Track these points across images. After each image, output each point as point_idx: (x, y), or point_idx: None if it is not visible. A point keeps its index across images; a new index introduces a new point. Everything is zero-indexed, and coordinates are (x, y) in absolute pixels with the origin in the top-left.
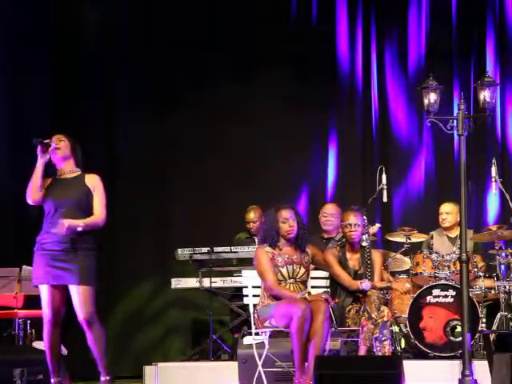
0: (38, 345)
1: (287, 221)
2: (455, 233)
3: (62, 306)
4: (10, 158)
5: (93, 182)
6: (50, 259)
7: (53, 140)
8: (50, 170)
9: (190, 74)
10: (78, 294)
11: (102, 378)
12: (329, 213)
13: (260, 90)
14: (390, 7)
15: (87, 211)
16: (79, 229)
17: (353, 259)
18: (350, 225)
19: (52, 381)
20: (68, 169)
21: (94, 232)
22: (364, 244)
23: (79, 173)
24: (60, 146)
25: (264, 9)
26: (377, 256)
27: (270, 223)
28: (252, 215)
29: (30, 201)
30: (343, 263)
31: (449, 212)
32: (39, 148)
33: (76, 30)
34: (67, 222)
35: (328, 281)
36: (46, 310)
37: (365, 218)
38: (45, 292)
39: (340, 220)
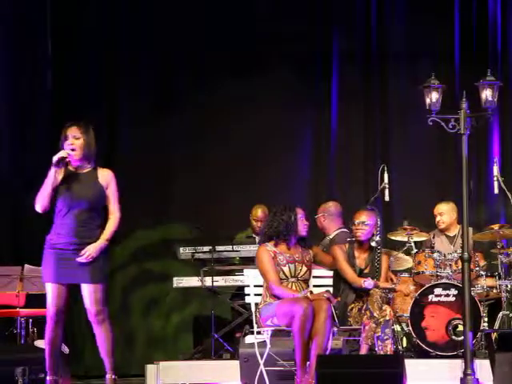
0: (39, 343)
1: (303, 218)
2: (453, 232)
3: (66, 304)
4: (11, 157)
5: (106, 178)
6: (62, 259)
7: (68, 136)
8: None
9: (190, 74)
10: (90, 293)
11: (108, 376)
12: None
13: (260, 90)
14: (391, 6)
15: (100, 211)
16: (103, 246)
17: (360, 258)
18: (358, 223)
19: (48, 378)
20: (82, 164)
21: (104, 226)
22: (373, 244)
23: (92, 167)
24: (75, 146)
25: (264, 9)
26: (384, 258)
27: (287, 220)
28: (260, 213)
29: (39, 209)
30: (350, 260)
31: (442, 213)
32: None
33: (77, 30)
34: (91, 251)
35: (330, 280)
36: (50, 308)
37: (378, 219)
38: (52, 290)
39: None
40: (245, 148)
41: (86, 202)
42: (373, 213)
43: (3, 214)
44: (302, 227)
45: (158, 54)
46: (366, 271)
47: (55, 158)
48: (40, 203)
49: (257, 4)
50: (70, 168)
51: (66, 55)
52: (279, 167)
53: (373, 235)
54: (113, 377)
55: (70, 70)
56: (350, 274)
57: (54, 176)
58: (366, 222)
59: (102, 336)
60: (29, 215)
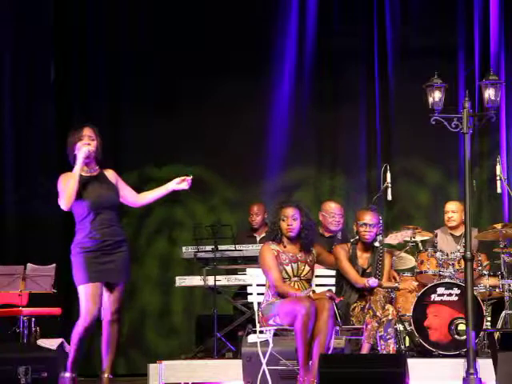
0: (42, 343)
1: (286, 219)
2: (460, 231)
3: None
4: (14, 158)
5: (113, 176)
6: (97, 259)
7: (83, 135)
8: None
9: (191, 74)
10: (117, 291)
11: (106, 375)
12: (337, 213)
13: (260, 89)
14: (393, 5)
15: (118, 209)
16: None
17: (362, 258)
18: (366, 224)
19: (67, 375)
20: (91, 167)
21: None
22: (376, 244)
23: (99, 169)
24: (92, 147)
25: (264, 8)
26: (386, 257)
27: (273, 219)
28: (254, 208)
29: (65, 207)
30: (352, 260)
31: (455, 210)
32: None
33: (79, 30)
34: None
35: (333, 279)
36: (91, 309)
37: (380, 218)
38: (95, 290)
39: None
40: (245, 148)
41: (111, 203)
42: (376, 213)
43: (7, 214)
44: (285, 228)
45: (160, 54)
46: (369, 271)
47: (84, 153)
48: (67, 201)
49: (257, 4)
50: (84, 173)
51: (68, 56)
52: (280, 167)
53: (376, 235)
54: (109, 376)
55: (73, 71)
56: (352, 274)
57: (80, 171)
58: (372, 223)
59: (109, 335)
60: (32, 215)
